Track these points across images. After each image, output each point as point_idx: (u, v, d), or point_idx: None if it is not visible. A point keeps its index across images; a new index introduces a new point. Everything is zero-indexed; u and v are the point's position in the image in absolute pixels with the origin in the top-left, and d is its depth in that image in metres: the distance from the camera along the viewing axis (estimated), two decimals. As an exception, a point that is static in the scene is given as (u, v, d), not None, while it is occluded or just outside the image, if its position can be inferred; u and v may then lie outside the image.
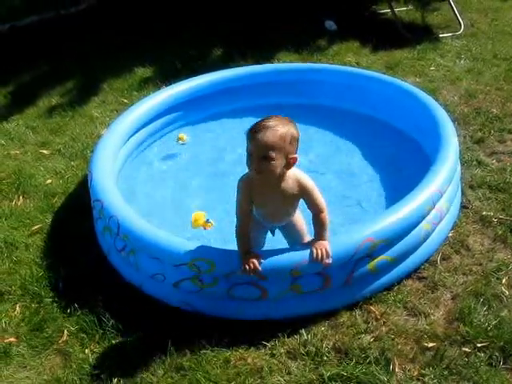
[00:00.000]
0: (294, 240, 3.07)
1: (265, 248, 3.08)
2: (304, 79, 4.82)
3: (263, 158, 2.62)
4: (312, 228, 2.90)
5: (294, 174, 2.78)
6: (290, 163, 2.70)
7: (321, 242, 2.81)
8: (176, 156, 4.42)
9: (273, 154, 2.60)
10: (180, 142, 4.54)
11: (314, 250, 2.78)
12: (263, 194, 2.81)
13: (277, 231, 3.16)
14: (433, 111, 3.95)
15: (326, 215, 2.83)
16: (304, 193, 2.81)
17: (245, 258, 2.77)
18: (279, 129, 2.61)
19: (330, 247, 2.80)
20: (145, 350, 2.80)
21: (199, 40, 6.61)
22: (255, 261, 2.75)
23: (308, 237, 3.03)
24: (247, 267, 2.74)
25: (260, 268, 2.75)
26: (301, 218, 3.08)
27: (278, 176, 2.72)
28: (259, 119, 2.69)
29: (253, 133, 2.62)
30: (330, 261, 2.79)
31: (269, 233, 3.15)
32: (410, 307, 2.96)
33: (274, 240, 3.15)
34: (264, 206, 2.89)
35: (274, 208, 2.90)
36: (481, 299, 2.95)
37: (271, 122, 2.62)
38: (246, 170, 2.76)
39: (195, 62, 6.06)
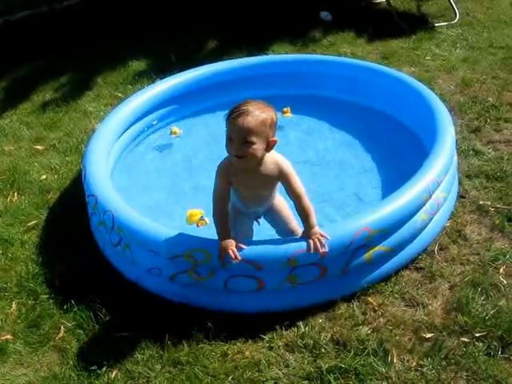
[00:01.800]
0: (281, 227, 3.05)
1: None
2: (300, 71, 4.78)
3: (244, 143, 2.61)
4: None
5: (273, 157, 2.78)
6: (269, 145, 2.70)
7: (312, 230, 2.78)
8: (169, 149, 4.39)
9: (254, 139, 2.61)
10: (173, 135, 4.52)
11: (310, 241, 2.76)
12: (242, 177, 2.80)
13: (264, 221, 3.13)
14: (429, 101, 3.92)
15: (307, 200, 2.80)
16: (282, 176, 2.79)
17: (224, 245, 2.73)
18: (260, 113, 2.62)
19: (323, 232, 2.78)
20: (142, 344, 2.79)
21: (194, 33, 6.57)
22: (235, 250, 2.71)
23: (295, 222, 3.01)
24: (228, 255, 2.70)
25: (239, 258, 2.71)
26: (284, 203, 3.06)
27: (259, 159, 2.72)
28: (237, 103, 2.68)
29: (233, 118, 2.62)
30: (326, 249, 2.77)
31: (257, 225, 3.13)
32: (407, 298, 2.95)
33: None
34: (242, 188, 2.88)
35: (252, 191, 2.89)
36: (478, 289, 2.94)
37: (251, 107, 2.63)
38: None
39: (189, 55, 6.01)
